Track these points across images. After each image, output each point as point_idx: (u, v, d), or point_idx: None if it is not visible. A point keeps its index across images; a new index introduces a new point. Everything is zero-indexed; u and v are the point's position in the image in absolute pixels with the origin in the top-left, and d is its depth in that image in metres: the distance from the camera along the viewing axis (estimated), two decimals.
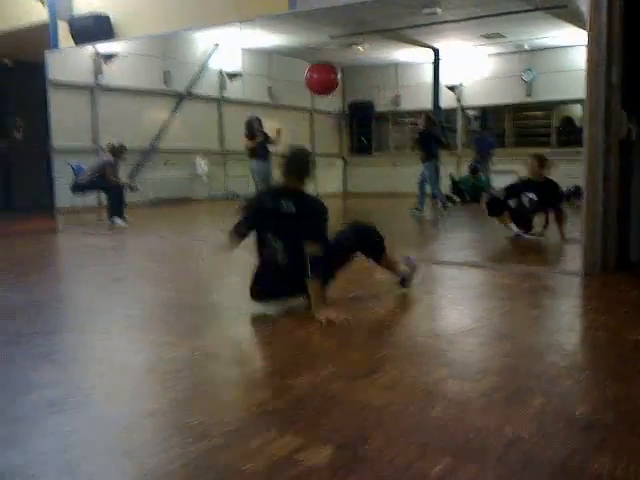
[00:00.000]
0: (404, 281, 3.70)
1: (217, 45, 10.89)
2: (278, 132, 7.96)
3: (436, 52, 11.74)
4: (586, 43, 4.04)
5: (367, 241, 3.54)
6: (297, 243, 3.16)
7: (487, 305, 3.60)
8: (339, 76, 9.18)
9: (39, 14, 7.47)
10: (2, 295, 3.95)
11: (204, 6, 6.35)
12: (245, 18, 6.07)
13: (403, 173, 12.10)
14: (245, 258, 3.52)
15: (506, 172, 10.07)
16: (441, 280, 4.45)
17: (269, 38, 10.13)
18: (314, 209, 3.31)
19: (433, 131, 8.81)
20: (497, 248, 5.92)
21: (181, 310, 3.47)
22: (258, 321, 3.22)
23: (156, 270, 4.90)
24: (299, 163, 3.33)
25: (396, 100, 13.06)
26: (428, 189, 8.66)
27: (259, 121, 8.24)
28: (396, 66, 12.91)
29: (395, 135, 13.61)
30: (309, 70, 8.47)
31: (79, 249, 6.40)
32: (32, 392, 2.25)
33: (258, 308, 3.35)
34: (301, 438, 1.82)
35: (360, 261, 3.63)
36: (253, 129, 8.12)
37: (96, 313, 3.49)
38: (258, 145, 8.03)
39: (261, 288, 3.34)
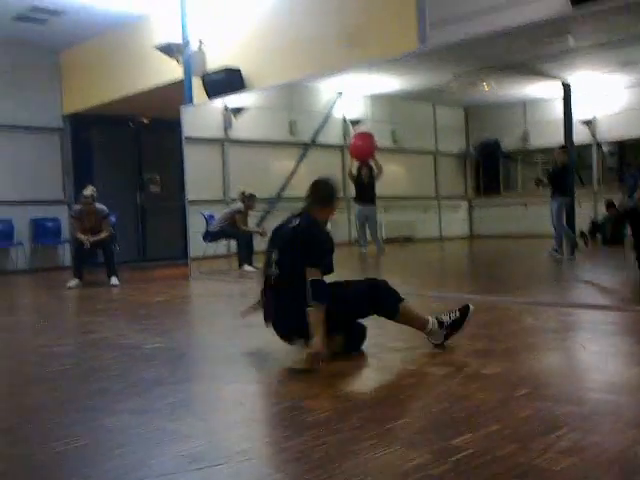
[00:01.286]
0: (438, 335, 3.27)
1: (340, 93, 10.98)
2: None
3: (566, 85, 11.13)
4: None
5: (379, 297, 3.23)
6: (293, 262, 3.13)
7: None
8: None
9: (174, 73, 7.81)
10: (141, 341, 3.94)
11: (330, 53, 6.33)
12: (373, 60, 5.99)
13: (534, 213, 11.51)
14: None
15: None
16: (585, 325, 3.98)
17: (391, 83, 10.06)
18: (314, 233, 3.24)
19: (568, 166, 8.24)
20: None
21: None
22: (393, 370, 2.95)
23: None
24: (320, 191, 3.35)
25: (525, 137, 12.51)
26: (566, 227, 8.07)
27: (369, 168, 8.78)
28: (524, 103, 12.41)
29: (524, 174, 13.01)
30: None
31: (211, 296, 6.45)
32: (172, 444, 2.11)
33: (388, 355, 3.09)
34: None
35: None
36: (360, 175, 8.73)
37: (230, 361, 3.37)
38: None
39: (266, 314, 3.39)
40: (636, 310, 4.33)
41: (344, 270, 3.83)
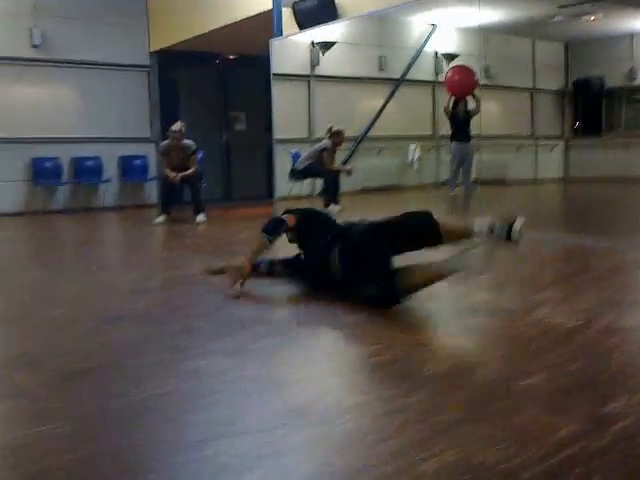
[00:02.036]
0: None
1: (434, 25, 10.29)
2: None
3: None
4: None
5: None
6: None
7: None
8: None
9: (263, 3, 7.41)
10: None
11: None
12: None
13: (637, 157, 10.62)
14: None
15: None
16: None
17: (488, 14, 9.31)
18: None
19: None
20: None
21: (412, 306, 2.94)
22: (509, 321, 2.58)
23: None
24: None
25: (631, 74, 11.45)
26: None
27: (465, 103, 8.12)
28: (631, 36, 11.30)
29: (629, 114, 11.97)
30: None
31: None
32: (271, 393, 1.85)
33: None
34: None
35: None
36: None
37: (330, 305, 3.07)
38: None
39: None
40: None
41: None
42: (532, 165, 11.62)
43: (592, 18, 10.33)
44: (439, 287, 3.22)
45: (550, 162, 11.93)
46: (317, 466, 1.44)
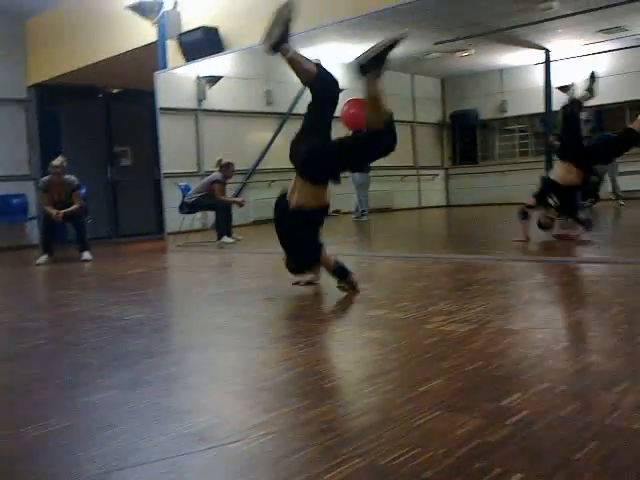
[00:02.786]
0: None
1: (318, 60, 10.55)
2: None
3: (547, 52, 10.92)
4: None
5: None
6: None
7: None
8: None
9: (147, 35, 7.32)
10: (124, 312, 3.57)
11: (312, 10, 5.93)
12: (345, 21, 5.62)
13: (511, 181, 11.31)
14: None
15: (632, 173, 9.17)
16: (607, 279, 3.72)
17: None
18: None
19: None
20: None
21: (297, 318, 2.95)
22: (407, 329, 2.64)
23: (267, 285, 4.41)
24: None
25: (502, 106, 12.28)
26: None
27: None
28: (501, 71, 12.16)
29: (501, 143, 12.79)
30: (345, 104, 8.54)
31: (191, 267, 6.07)
32: (172, 421, 1.76)
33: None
34: None
35: None
36: None
37: (217, 330, 3.01)
38: None
39: None
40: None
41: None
42: (416, 193, 12.11)
43: (465, 54, 11.01)
44: (337, 305, 3.25)
45: (432, 190, 12.50)
46: None
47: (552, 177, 5.54)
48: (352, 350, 2.46)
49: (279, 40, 3.05)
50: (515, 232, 5.62)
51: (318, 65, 3.21)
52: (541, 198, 5.48)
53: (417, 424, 1.61)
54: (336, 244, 6.80)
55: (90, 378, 2.27)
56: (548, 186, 5.47)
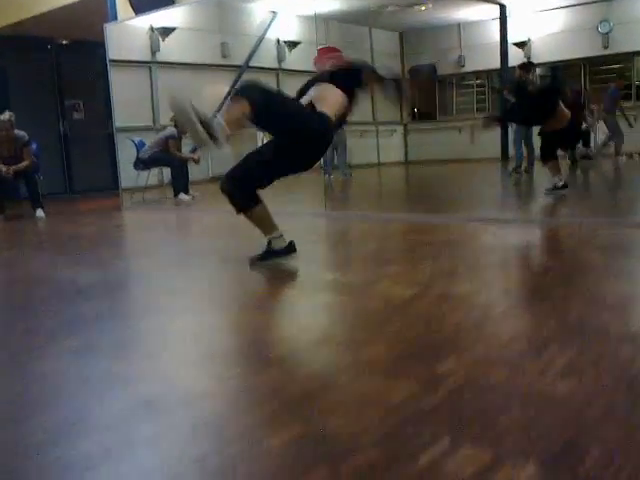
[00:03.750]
0: None
1: (275, 13, 10.35)
2: None
3: (502, 8, 10.91)
4: None
5: None
6: None
7: None
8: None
9: None
10: (77, 274, 3.56)
11: None
12: None
13: (468, 138, 11.42)
14: None
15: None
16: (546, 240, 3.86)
17: (327, 3, 9.54)
18: None
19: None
20: None
21: (248, 282, 3.00)
22: (352, 294, 2.72)
23: (222, 246, 4.43)
24: None
25: (460, 61, 12.27)
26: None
27: None
28: (459, 26, 12.11)
29: (459, 99, 12.83)
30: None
31: (146, 226, 6.03)
32: (121, 388, 1.81)
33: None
34: (485, 451, 1.31)
35: None
36: None
37: (170, 293, 3.04)
38: None
39: None
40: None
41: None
42: (374, 149, 12.12)
43: (423, 8, 10.94)
44: (289, 267, 3.31)
45: (391, 146, 12.52)
46: (165, 457, 1.43)
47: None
48: (300, 315, 2.52)
49: (208, 129, 2.82)
50: (470, 189, 5.73)
51: (238, 96, 3.02)
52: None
53: (357, 390, 1.68)
54: (289, 202, 6.86)
55: (41, 344, 2.28)
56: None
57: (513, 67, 11.04)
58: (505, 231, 4.27)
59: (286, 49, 10.79)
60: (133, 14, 6.92)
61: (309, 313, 2.55)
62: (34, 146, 7.10)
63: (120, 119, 7.79)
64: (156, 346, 2.22)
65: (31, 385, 1.87)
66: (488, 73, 12.04)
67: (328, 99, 3.12)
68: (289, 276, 3.21)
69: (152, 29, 9.02)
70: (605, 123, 9.30)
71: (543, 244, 3.98)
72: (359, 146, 11.69)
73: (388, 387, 1.68)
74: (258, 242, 4.06)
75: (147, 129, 9.02)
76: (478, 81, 12.48)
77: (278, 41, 10.70)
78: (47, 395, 1.79)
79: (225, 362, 2.00)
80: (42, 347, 2.23)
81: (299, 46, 10.78)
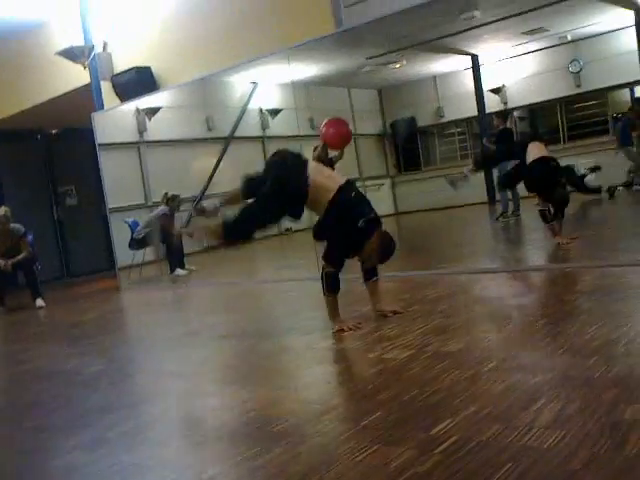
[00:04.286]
0: None
1: (255, 84, 10.74)
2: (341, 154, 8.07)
3: (474, 58, 11.34)
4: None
5: None
6: None
7: None
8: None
9: (81, 78, 7.38)
10: (81, 365, 3.66)
11: (244, 43, 6.12)
12: (288, 46, 5.84)
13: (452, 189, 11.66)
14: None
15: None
16: (536, 288, 3.99)
17: (303, 70, 9.91)
18: None
19: (507, 129, 8.33)
20: None
21: (246, 357, 3.12)
22: (350, 359, 2.83)
23: (220, 321, 4.54)
24: None
25: (439, 112, 12.66)
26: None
27: (325, 147, 8.39)
28: (434, 78, 12.54)
29: (442, 148, 13.17)
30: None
31: (144, 307, 6.16)
32: (137, 478, 1.91)
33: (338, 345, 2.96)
34: None
35: None
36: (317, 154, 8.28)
37: (173, 377, 3.15)
38: None
39: None
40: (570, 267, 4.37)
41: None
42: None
43: (398, 65, 11.34)
44: (284, 338, 3.43)
45: (380, 199, 12.75)
46: None
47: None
48: (300, 388, 2.63)
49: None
50: (460, 238, 5.87)
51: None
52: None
53: (357, 460, 1.79)
54: (282, 268, 7.00)
55: (53, 441, 2.38)
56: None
57: (490, 114, 11.45)
58: (495, 281, 4.41)
59: (269, 117, 11.15)
60: (118, 102, 7.21)
61: (309, 385, 2.65)
62: (30, 237, 7.28)
63: (113, 200, 8.01)
64: (164, 433, 2.32)
65: None
66: (467, 121, 12.40)
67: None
68: (288, 348, 3.32)
69: (138, 110, 9.33)
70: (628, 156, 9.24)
71: (532, 292, 4.11)
72: None
73: (387, 454, 1.79)
74: (253, 315, 4.19)
75: (139, 207, 9.25)
76: (459, 129, 12.83)
77: (261, 110, 11.06)
78: None
79: (232, 443, 2.10)
80: (55, 444, 2.32)
81: (281, 113, 11.13)
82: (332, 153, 8.27)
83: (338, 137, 7.36)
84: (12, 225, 6.78)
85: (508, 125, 8.28)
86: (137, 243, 7.73)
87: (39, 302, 6.70)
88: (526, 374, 2.28)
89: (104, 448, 2.20)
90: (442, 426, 1.91)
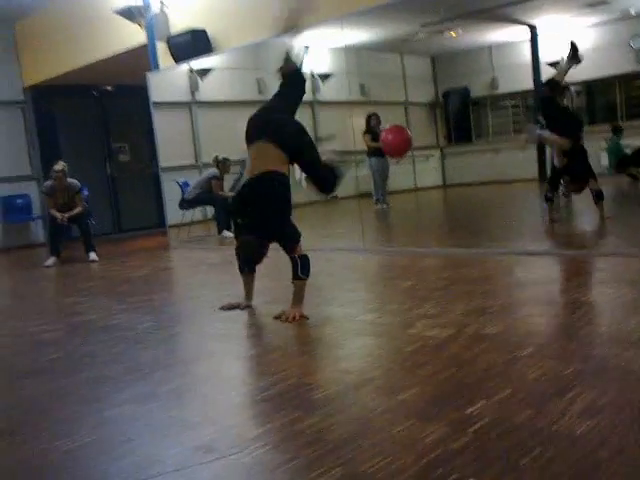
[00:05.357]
0: None
1: (307, 47, 10.69)
2: None
3: (533, 29, 11.04)
4: None
5: None
6: None
7: None
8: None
9: (137, 37, 7.50)
10: (131, 319, 3.85)
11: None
12: (342, 13, 5.82)
13: (505, 160, 11.51)
14: None
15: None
16: (581, 274, 3.99)
17: (356, 34, 9.81)
18: None
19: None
20: None
21: (292, 324, 3.23)
22: (391, 335, 2.92)
23: (266, 287, 4.65)
24: None
25: (493, 83, 12.41)
26: None
27: (377, 117, 8.42)
28: (490, 48, 12.27)
29: (495, 121, 12.95)
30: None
31: (193, 266, 6.34)
32: (182, 434, 2.05)
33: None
34: None
35: None
36: (370, 125, 8.39)
37: (220, 338, 3.29)
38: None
39: None
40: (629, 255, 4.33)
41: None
42: (411, 175, 12.31)
43: (453, 34, 11.14)
44: (329, 309, 3.53)
45: (428, 170, 12.69)
46: None
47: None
48: (340, 359, 2.73)
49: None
50: (507, 216, 5.85)
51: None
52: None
53: (392, 433, 1.89)
54: (326, 237, 7.09)
55: (107, 392, 2.55)
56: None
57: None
58: (540, 264, 4.41)
59: (319, 81, 11.13)
60: (173, 62, 7.31)
61: (349, 356, 2.76)
62: (85, 193, 7.54)
63: (164, 159, 8.19)
64: (210, 392, 2.46)
65: (103, 433, 2.13)
66: (522, 94, 12.14)
67: None
68: (329, 319, 3.43)
69: (191, 70, 9.44)
70: None
71: (577, 277, 4.10)
72: (395, 172, 11.88)
73: (421, 429, 1.88)
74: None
75: (190, 167, 9.44)
76: (513, 102, 12.57)
77: (312, 74, 11.04)
78: (118, 442, 2.04)
79: (273, 407, 2.22)
80: (109, 396, 2.49)
81: (332, 77, 11.11)
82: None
83: (395, 147, 7.41)
84: (69, 180, 7.01)
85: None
86: (187, 203, 7.92)
87: (92, 256, 6.96)
88: (563, 362, 2.33)
89: (154, 403, 2.35)
90: (476, 407, 1.99)
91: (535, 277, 4.05)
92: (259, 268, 3.78)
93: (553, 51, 11.24)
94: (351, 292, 4.07)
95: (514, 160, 10.96)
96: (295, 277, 3.41)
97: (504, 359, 2.42)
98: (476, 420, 1.90)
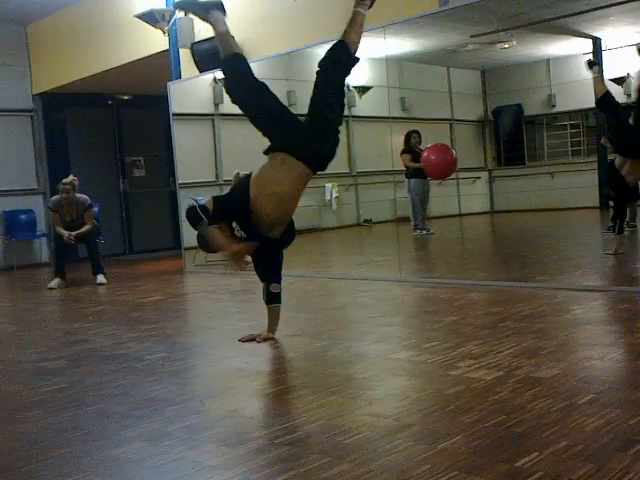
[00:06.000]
0: None
1: None
2: None
3: (596, 41, 11.01)
4: None
5: None
6: None
7: None
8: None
9: (158, 44, 7.67)
10: (142, 349, 3.88)
11: (332, 20, 6.20)
12: (385, 22, 5.89)
13: (562, 184, 11.42)
14: None
15: None
16: None
17: (399, 44, 9.91)
18: None
19: None
20: None
21: (318, 360, 3.22)
22: (432, 375, 2.89)
23: (290, 317, 4.66)
24: None
25: (550, 101, 12.38)
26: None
27: (418, 135, 8.42)
28: (547, 62, 12.26)
29: (550, 142, 12.88)
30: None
31: (210, 293, 6.39)
32: (197, 476, 2.05)
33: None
34: None
35: None
36: (410, 144, 8.41)
37: (237, 373, 3.30)
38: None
39: None
40: None
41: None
42: (455, 199, 12.27)
43: (506, 46, 11.17)
44: (361, 344, 3.52)
45: (474, 195, 12.63)
46: None
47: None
48: (374, 400, 2.72)
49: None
50: (563, 247, 5.79)
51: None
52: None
53: None
54: (360, 264, 7.09)
55: (113, 429, 2.57)
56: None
57: None
58: (600, 301, 4.35)
59: (356, 94, 11.21)
60: (196, 71, 7.45)
61: (383, 398, 2.74)
62: (96, 209, 7.66)
63: (182, 175, 8.29)
64: (228, 432, 2.46)
65: (108, 473, 2.14)
66: (583, 113, 12.09)
67: None
68: (362, 355, 3.42)
69: (215, 80, 9.59)
70: None
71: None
72: (437, 196, 11.88)
73: None
74: (325, 314, 4.32)
75: (210, 185, 9.53)
76: (572, 121, 12.51)
77: (348, 87, 11.13)
78: None
79: (300, 451, 2.21)
80: (116, 433, 2.51)
81: (370, 91, 11.18)
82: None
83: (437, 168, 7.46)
84: (78, 195, 7.14)
85: None
86: None
87: (100, 278, 7.06)
88: (626, 411, 2.29)
89: (165, 442, 2.36)
90: (528, 459, 1.96)
91: (594, 316, 4.00)
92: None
93: (618, 66, 11.22)
94: (387, 326, 4.05)
95: (571, 185, 10.89)
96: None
97: (559, 406, 2.39)
98: (527, 475, 1.87)
